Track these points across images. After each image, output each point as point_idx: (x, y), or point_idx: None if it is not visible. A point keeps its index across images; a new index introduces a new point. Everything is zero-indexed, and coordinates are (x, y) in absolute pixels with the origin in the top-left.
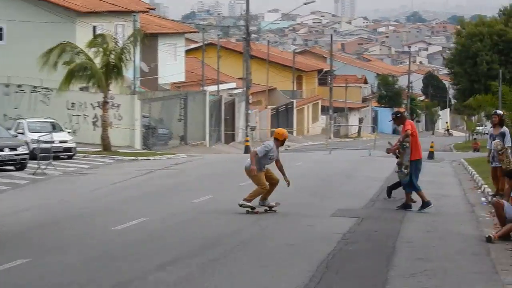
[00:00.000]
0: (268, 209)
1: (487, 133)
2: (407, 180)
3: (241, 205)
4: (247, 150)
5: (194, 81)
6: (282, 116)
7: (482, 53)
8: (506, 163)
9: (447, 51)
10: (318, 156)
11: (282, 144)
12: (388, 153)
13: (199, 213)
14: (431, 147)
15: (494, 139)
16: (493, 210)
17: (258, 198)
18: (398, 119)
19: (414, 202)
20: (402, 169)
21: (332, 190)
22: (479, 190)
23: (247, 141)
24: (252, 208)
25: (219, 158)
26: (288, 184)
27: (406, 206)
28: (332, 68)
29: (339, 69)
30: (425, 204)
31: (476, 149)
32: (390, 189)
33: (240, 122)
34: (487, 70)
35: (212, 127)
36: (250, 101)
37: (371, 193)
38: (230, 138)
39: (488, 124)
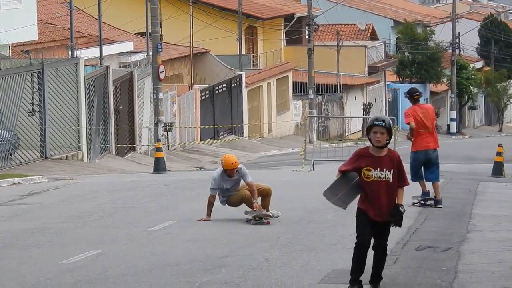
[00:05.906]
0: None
1: None
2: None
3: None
4: (159, 164)
5: (56, 40)
6: (221, 102)
7: None
8: None
9: None
10: (289, 175)
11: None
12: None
13: None
14: (498, 153)
15: None
16: None
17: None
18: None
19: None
20: None
21: (319, 235)
22: None
23: (158, 149)
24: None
25: (109, 181)
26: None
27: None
28: (312, 13)
29: (326, 13)
30: (424, 194)
31: None
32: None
33: (144, 115)
34: None
35: (92, 125)
36: (163, 74)
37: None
38: (127, 144)
39: None
